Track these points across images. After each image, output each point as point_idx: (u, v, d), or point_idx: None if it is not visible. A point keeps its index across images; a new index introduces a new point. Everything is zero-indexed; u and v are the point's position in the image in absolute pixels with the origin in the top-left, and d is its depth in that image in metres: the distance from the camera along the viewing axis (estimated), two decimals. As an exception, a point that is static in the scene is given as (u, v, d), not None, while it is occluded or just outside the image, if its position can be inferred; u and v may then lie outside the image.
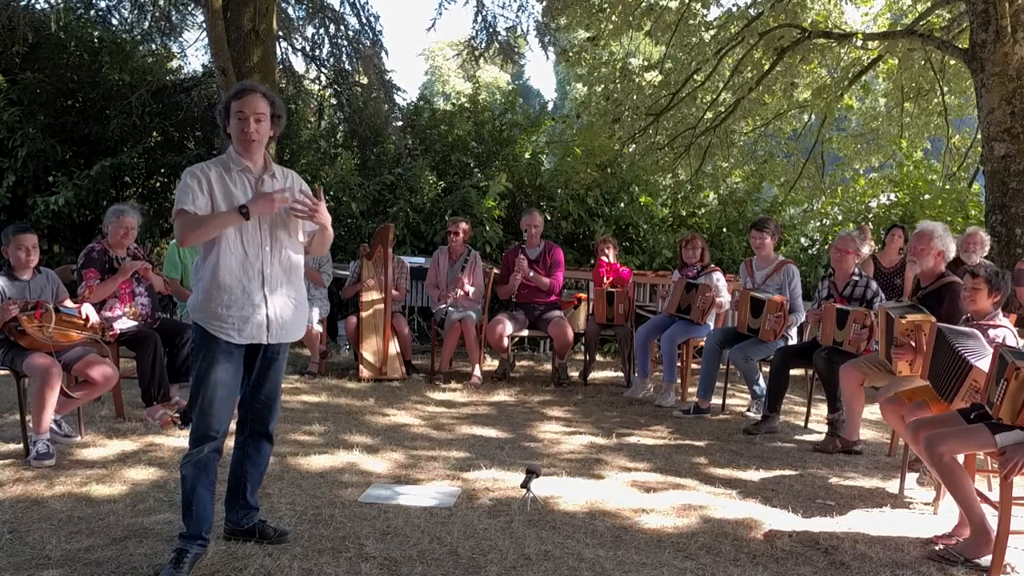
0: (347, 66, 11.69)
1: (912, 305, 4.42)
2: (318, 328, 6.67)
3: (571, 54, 10.70)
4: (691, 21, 8.96)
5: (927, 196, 9.20)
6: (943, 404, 3.65)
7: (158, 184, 10.08)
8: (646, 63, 10.80)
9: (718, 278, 6.30)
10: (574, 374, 7.12)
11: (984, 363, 3.40)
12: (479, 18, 11.48)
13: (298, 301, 3.12)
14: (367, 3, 17.02)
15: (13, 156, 8.34)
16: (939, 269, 4.50)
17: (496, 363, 7.36)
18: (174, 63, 11.49)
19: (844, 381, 4.78)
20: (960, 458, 3.37)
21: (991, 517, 3.28)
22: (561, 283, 7.02)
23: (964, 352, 3.47)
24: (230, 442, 3.19)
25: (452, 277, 6.93)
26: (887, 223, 9.01)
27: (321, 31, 11.70)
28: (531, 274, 6.76)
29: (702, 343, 6.17)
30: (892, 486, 4.23)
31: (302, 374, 6.61)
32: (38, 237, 4.61)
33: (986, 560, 3.21)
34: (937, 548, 3.33)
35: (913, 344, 4.18)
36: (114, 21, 11.14)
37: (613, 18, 9.05)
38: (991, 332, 3.65)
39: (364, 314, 6.70)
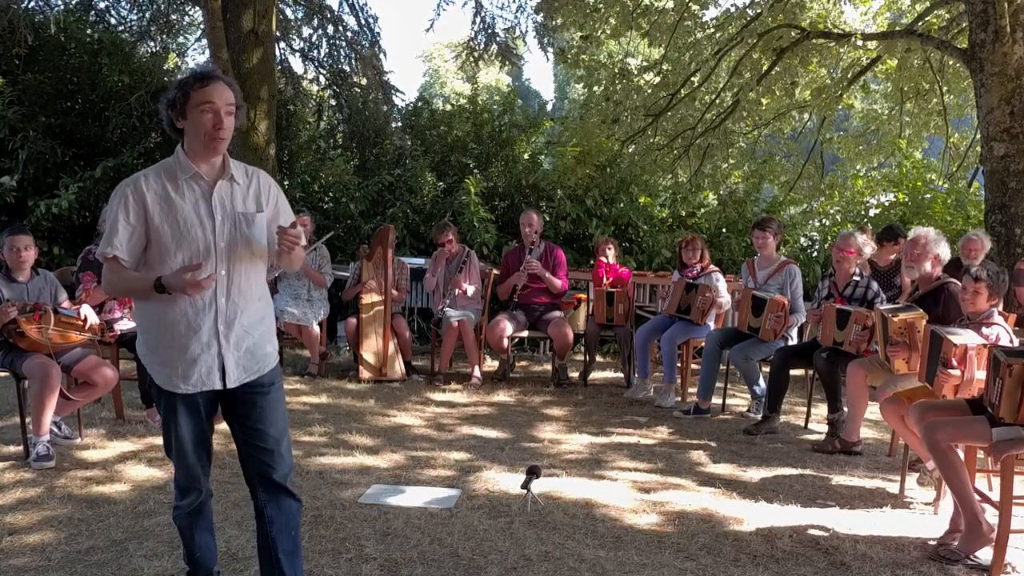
0: (346, 67, 11.69)
1: (906, 305, 4.45)
2: (316, 329, 6.67)
3: (569, 55, 10.70)
4: (688, 22, 8.95)
5: (927, 196, 9.20)
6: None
7: (157, 185, 10.06)
8: (645, 63, 10.79)
9: (718, 279, 6.29)
10: (574, 375, 7.12)
11: (960, 338, 3.46)
12: (478, 19, 11.50)
13: (264, 318, 2.57)
14: (366, 4, 17.03)
15: (14, 158, 8.33)
16: (936, 273, 4.52)
17: (496, 364, 7.36)
18: (173, 64, 11.50)
19: (851, 379, 4.79)
20: (961, 453, 3.38)
21: (992, 516, 3.29)
22: (567, 284, 7.02)
23: (943, 332, 3.58)
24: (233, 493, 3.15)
25: (449, 277, 6.93)
26: (887, 223, 9.01)
27: (320, 32, 11.71)
28: (546, 274, 6.76)
29: (702, 344, 6.17)
30: (892, 486, 4.23)
31: (302, 375, 6.61)
32: (37, 239, 4.61)
33: (984, 554, 3.22)
34: (938, 549, 3.33)
35: (907, 341, 4.22)
36: (113, 22, 11.15)
37: (610, 20, 9.05)
38: (985, 331, 3.67)
39: (364, 315, 6.70)
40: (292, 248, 2.46)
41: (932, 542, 3.45)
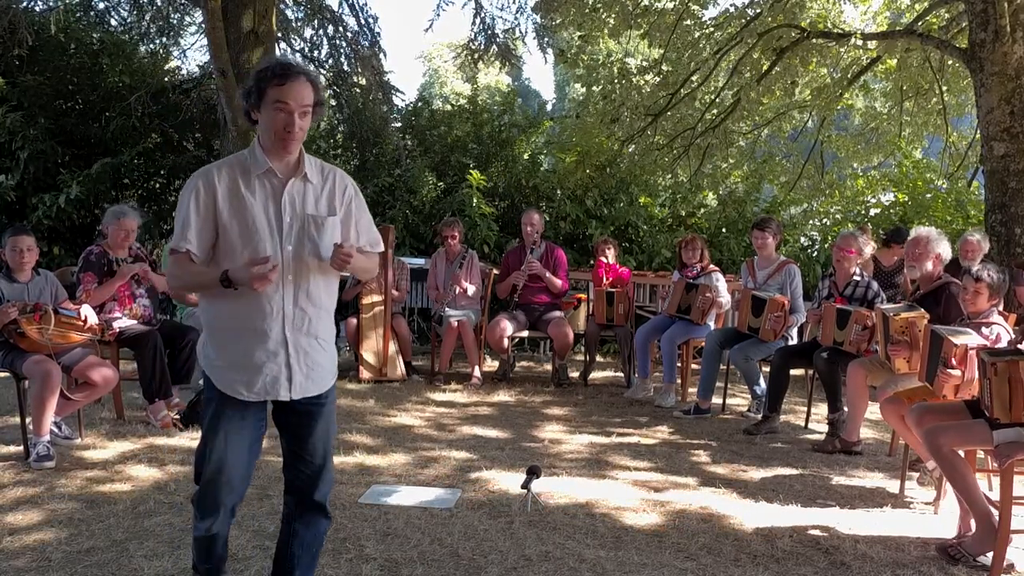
0: (346, 67, 11.69)
1: (907, 304, 4.45)
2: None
3: (569, 55, 10.70)
4: (688, 22, 8.95)
5: (927, 196, 9.19)
6: (941, 401, 3.67)
7: (157, 185, 10.09)
8: (644, 63, 10.79)
9: (718, 278, 6.29)
10: (574, 375, 7.12)
11: (960, 339, 3.47)
12: (478, 20, 11.49)
13: (327, 343, 2.48)
14: (366, 4, 17.02)
15: (14, 158, 8.33)
16: (937, 273, 4.52)
17: (496, 364, 7.36)
18: (173, 64, 11.51)
19: (851, 379, 4.79)
20: (961, 455, 3.38)
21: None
22: (567, 284, 7.03)
23: (944, 332, 3.60)
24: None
25: (450, 275, 6.93)
26: (887, 223, 9.01)
27: (320, 32, 11.70)
28: (547, 274, 6.76)
29: (702, 343, 6.17)
30: (893, 486, 4.23)
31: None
32: (37, 239, 4.61)
33: (989, 558, 3.22)
34: (949, 548, 3.32)
35: (908, 341, 4.22)
36: (113, 22, 11.16)
37: (609, 20, 9.04)
38: (985, 330, 3.68)
39: (364, 315, 6.70)
40: (342, 267, 2.36)
41: (941, 543, 3.44)
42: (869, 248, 5.61)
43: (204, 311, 2.42)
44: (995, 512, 3.23)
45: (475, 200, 8.60)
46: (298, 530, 2.51)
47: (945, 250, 4.53)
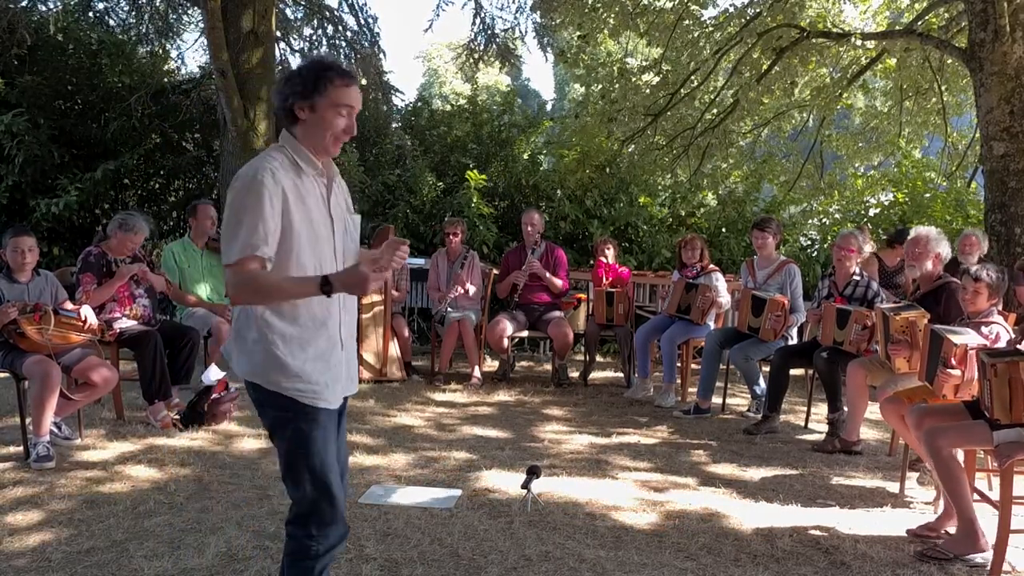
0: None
1: (908, 304, 4.45)
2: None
3: (568, 55, 10.70)
4: (687, 22, 8.95)
5: (927, 196, 9.20)
6: (941, 401, 3.67)
7: (157, 186, 10.09)
8: (644, 63, 10.79)
9: (718, 278, 6.29)
10: (574, 375, 7.12)
11: (960, 338, 3.47)
12: (477, 20, 11.50)
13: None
14: (365, 4, 17.03)
15: (11, 162, 8.32)
16: (937, 272, 4.52)
17: (496, 364, 7.36)
18: (172, 65, 11.50)
19: (851, 379, 4.79)
20: (961, 454, 3.39)
21: (992, 516, 3.29)
22: (568, 285, 7.03)
23: (944, 332, 3.60)
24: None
25: (452, 275, 6.93)
26: (887, 222, 9.02)
27: (319, 32, 11.71)
28: (547, 275, 6.76)
29: (702, 343, 6.17)
30: (893, 486, 4.23)
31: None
32: (37, 239, 4.61)
33: (980, 557, 3.22)
34: (924, 548, 3.34)
35: (909, 340, 4.22)
36: (112, 22, 11.15)
37: (609, 20, 9.04)
38: (984, 329, 3.68)
39: (364, 315, 6.69)
40: (397, 266, 2.34)
41: (914, 534, 3.48)
42: (868, 247, 5.61)
43: (275, 324, 2.18)
44: (995, 513, 3.23)
45: (474, 200, 8.60)
46: None
47: (945, 249, 4.54)
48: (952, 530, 3.42)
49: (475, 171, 8.85)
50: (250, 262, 2.11)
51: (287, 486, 2.25)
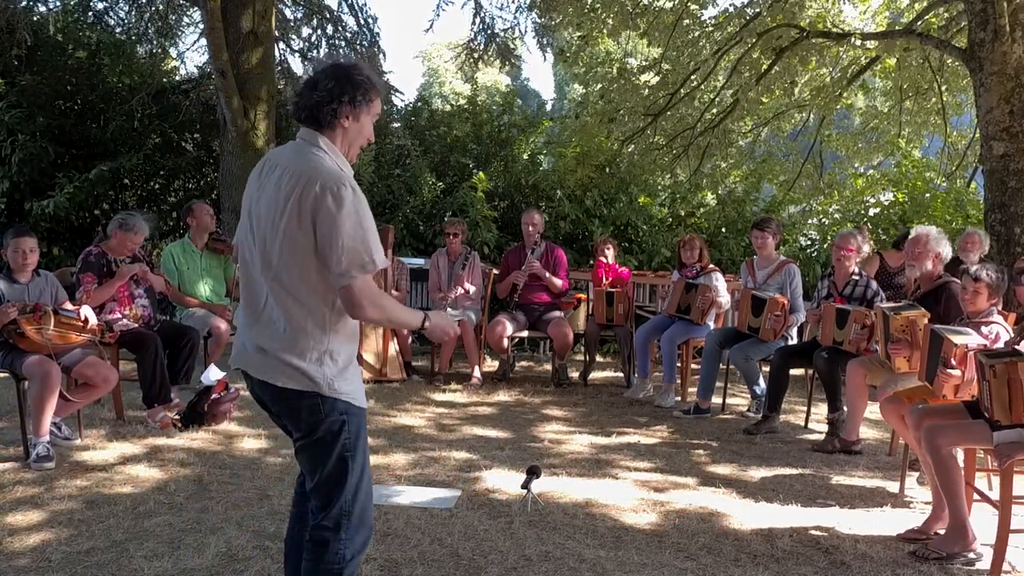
0: (345, 67, 11.67)
1: (908, 304, 4.45)
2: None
3: (568, 54, 10.70)
4: (687, 21, 8.95)
5: (926, 195, 9.20)
6: (941, 401, 3.68)
7: (156, 186, 10.09)
8: (644, 63, 10.79)
9: (717, 278, 6.29)
10: (574, 375, 7.12)
11: (960, 339, 3.47)
12: (477, 20, 11.50)
13: None
14: (365, 4, 17.01)
15: (7, 162, 8.32)
16: (937, 271, 4.52)
17: (496, 364, 7.36)
18: (171, 65, 11.50)
19: (850, 379, 4.79)
20: (961, 454, 3.39)
21: (992, 515, 3.29)
22: (567, 285, 7.03)
23: (944, 332, 3.60)
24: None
25: (453, 276, 6.93)
26: (886, 222, 9.02)
27: (319, 32, 11.70)
28: (547, 274, 6.77)
29: (702, 343, 6.17)
30: (892, 486, 4.23)
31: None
32: (37, 240, 4.61)
33: (972, 555, 3.23)
34: (916, 548, 3.34)
35: (909, 339, 4.22)
36: (112, 23, 11.15)
37: (608, 20, 9.04)
38: (984, 329, 3.68)
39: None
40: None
41: (905, 537, 3.48)
42: (867, 247, 5.62)
43: (339, 325, 2.20)
44: (995, 513, 3.24)
45: (479, 203, 8.60)
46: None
47: (945, 249, 4.53)
48: (941, 532, 3.43)
49: (482, 174, 8.86)
50: (370, 275, 2.12)
51: (325, 492, 2.23)
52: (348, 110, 2.18)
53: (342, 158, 2.21)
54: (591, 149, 9.67)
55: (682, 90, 9.26)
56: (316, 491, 2.24)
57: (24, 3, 9.81)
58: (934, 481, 3.45)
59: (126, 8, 11.34)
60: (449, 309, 6.81)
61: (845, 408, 5.00)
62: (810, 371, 5.85)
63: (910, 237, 4.63)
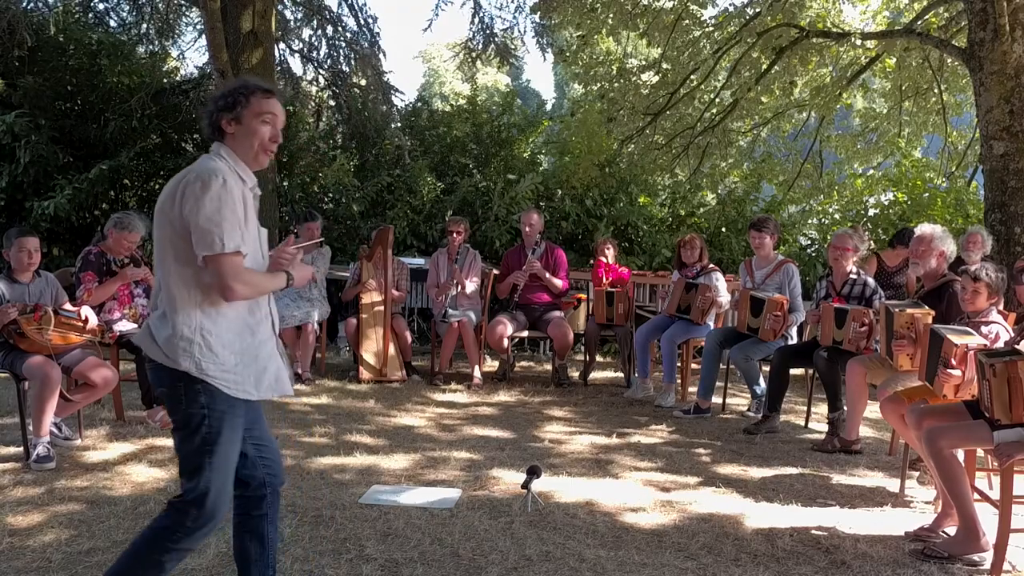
0: (345, 67, 11.69)
1: (913, 301, 4.45)
2: (316, 328, 6.64)
3: (568, 54, 10.70)
4: (687, 21, 8.95)
5: (926, 195, 9.20)
6: (941, 401, 3.67)
7: (156, 186, 10.07)
8: (644, 62, 10.80)
9: (718, 278, 6.29)
10: (574, 375, 7.12)
11: (961, 338, 3.47)
12: (476, 19, 11.50)
13: None
14: (365, 4, 17.02)
15: (15, 161, 8.32)
16: (942, 270, 4.52)
17: (496, 364, 7.36)
18: (171, 65, 11.50)
19: (850, 377, 4.79)
20: (961, 454, 3.39)
21: (992, 515, 3.29)
22: (567, 285, 7.03)
23: (944, 331, 3.60)
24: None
25: (450, 272, 6.93)
26: (886, 222, 9.02)
27: (319, 32, 11.70)
28: (546, 275, 6.77)
29: (702, 343, 6.17)
30: (893, 485, 4.23)
31: (300, 380, 6.52)
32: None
33: (979, 556, 3.22)
34: (920, 548, 3.34)
35: (913, 336, 4.21)
36: (112, 23, 11.16)
37: (608, 19, 9.05)
38: (984, 329, 3.67)
39: (364, 316, 6.70)
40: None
41: (914, 536, 3.47)
42: (864, 246, 5.61)
43: (211, 319, 2.30)
44: (995, 513, 3.24)
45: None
46: (270, 515, 2.58)
47: (950, 248, 4.52)
48: (950, 531, 3.43)
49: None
50: (236, 258, 2.25)
51: (185, 473, 2.33)
52: (227, 116, 2.34)
53: (241, 164, 2.37)
54: (592, 147, 9.67)
55: (682, 90, 9.26)
56: (181, 473, 2.34)
57: (25, 4, 9.82)
58: (939, 482, 3.45)
59: (127, 8, 11.35)
60: (449, 309, 6.82)
61: (845, 408, 4.99)
62: (810, 371, 5.85)
63: (915, 235, 4.62)
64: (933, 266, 4.50)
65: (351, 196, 9.04)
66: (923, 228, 4.58)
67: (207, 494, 2.29)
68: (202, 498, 2.28)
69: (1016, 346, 3.44)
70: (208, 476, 2.28)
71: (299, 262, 2.54)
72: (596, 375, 7.28)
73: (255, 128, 2.35)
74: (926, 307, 4.28)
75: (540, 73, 71.20)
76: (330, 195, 9.67)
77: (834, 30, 9.10)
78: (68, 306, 4.55)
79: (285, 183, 9.63)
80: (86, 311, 4.58)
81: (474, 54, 11.75)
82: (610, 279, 6.97)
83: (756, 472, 4.46)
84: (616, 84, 9.67)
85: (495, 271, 7.15)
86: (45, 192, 8.42)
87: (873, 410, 5.16)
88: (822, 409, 5.38)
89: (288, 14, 11.73)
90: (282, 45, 11.41)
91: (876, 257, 6.83)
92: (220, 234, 2.21)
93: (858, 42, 8.62)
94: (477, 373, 6.67)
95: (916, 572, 3.16)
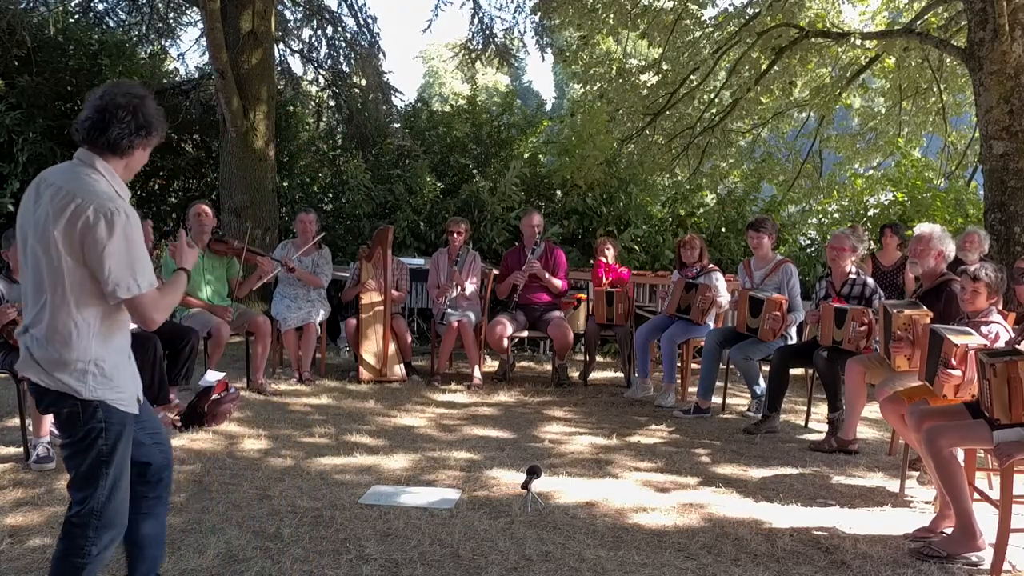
0: (345, 67, 11.70)
1: (911, 302, 4.45)
2: (317, 328, 6.64)
3: (567, 53, 10.71)
4: (687, 21, 8.96)
5: (926, 195, 9.20)
6: (941, 401, 3.67)
7: (156, 187, 10.09)
8: (644, 62, 10.81)
9: (717, 278, 6.29)
10: (574, 375, 7.12)
11: (961, 339, 3.47)
12: (476, 20, 11.51)
13: None
14: (365, 4, 17.03)
15: (15, 161, 8.33)
16: (940, 269, 4.52)
17: (496, 364, 7.36)
18: (171, 65, 11.51)
19: (849, 377, 4.79)
20: (961, 454, 3.39)
21: (992, 515, 3.29)
22: (567, 285, 7.03)
23: (944, 331, 3.59)
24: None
25: (450, 273, 6.93)
26: (886, 222, 9.02)
27: (319, 32, 11.71)
28: (546, 275, 6.77)
29: (702, 343, 6.17)
30: (893, 485, 4.23)
31: (301, 381, 6.51)
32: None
33: (977, 556, 3.23)
34: (918, 546, 3.34)
35: (911, 337, 4.21)
36: (112, 23, 11.16)
37: (608, 20, 9.05)
38: (984, 328, 3.68)
39: (364, 316, 6.69)
40: None
41: (913, 536, 3.47)
42: (863, 246, 5.61)
43: (104, 347, 2.32)
44: (995, 512, 3.24)
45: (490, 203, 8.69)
46: (156, 510, 2.64)
47: (949, 247, 4.52)
48: (949, 531, 3.43)
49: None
50: (150, 291, 2.31)
51: (80, 490, 2.35)
52: (141, 142, 2.36)
53: (120, 182, 2.36)
54: (597, 143, 9.65)
55: (681, 90, 9.27)
56: (73, 487, 2.36)
57: (24, 4, 9.82)
58: (939, 481, 3.45)
59: (127, 8, 11.35)
60: (448, 309, 6.81)
61: (845, 407, 4.99)
62: (810, 371, 5.85)
63: (914, 234, 4.62)
64: (931, 266, 4.51)
65: (362, 195, 9.04)
66: (922, 228, 4.59)
67: (107, 503, 2.33)
68: (100, 508, 2.32)
69: (1016, 346, 3.44)
70: (104, 486, 2.32)
71: (184, 247, 2.65)
72: (596, 375, 7.28)
73: (142, 160, 2.42)
74: (924, 307, 4.28)
75: (540, 73, 71.26)
76: (330, 195, 9.67)
77: (833, 30, 9.10)
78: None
79: (285, 183, 9.64)
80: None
81: (474, 54, 11.76)
82: (610, 279, 6.97)
83: (756, 472, 4.46)
84: (616, 84, 9.68)
85: (495, 271, 7.15)
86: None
87: (873, 410, 5.16)
88: (822, 409, 5.38)
89: (288, 14, 11.74)
90: (282, 45, 11.42)
91: (871, 258, 6.84)
92: (135, 276, 2.25)
93: (858, 42, 8.62)
94: (477, 373, 6.67)
95: (916, 572, 3.16)
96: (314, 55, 11.72)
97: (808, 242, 9.54)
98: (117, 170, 2.36)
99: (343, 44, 11.67)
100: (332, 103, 11.65)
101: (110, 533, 2.37)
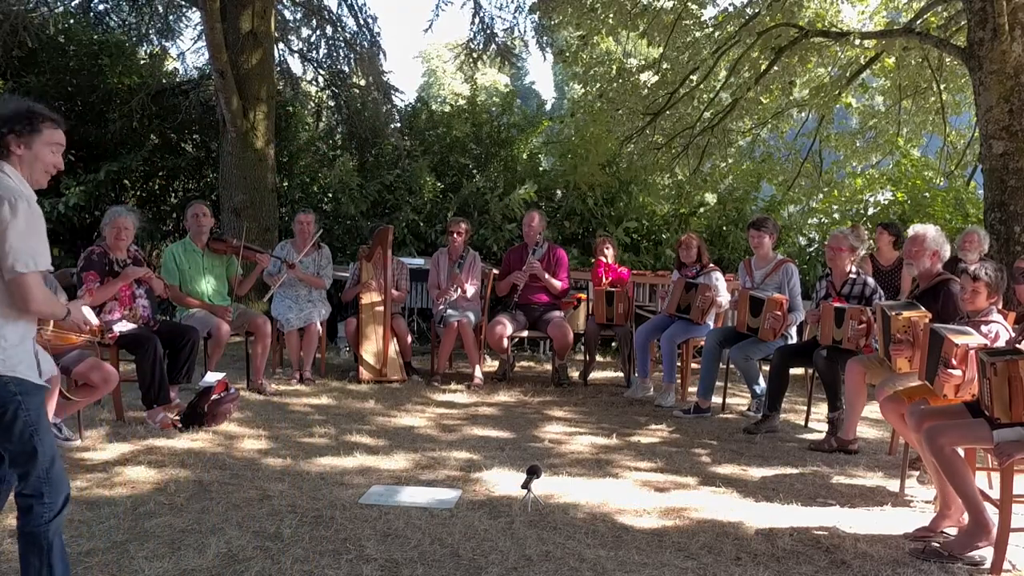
0: (344, 68, 11.70)
1: (909, 303, 4.44)
2: (319, 328, 6.64)
3: (568, 54, 10.71)
4: (687, 21, 8.96)
5: (926, 195, 9.20)
6: (941, 401, 3.67)
7: (156, 187, 10.09)
8: (643, 62, 10.80)
9: (717, 277, 6.29)
10: (574, 374, 7.12)
11: (961, 338, 3.47)
12: (476, 20, 11.50)
13: None
14: (365, 4, 17.02)
15: None
16: (936, 269, 4.52)
17: (496, 364, 7.36)
18: (172, 65, 11.51)
19: (849, 376, 4.79)
20: (961, 453, 3.39)
21: (992, 515, 3.29)
22: (567, 285, 7.03)
23: (944, 331, 3.59)
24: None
25: (450, 275, 6.93)
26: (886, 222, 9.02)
27: (318, 32, 11.71)
28: (546, 275, 6.77)
29: (702, 343, 6.17)
30: (893, 485, 4.23)
31: (302, 381, 6.50)
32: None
33: (979, 555, 3.23)
34: (920, 547, 3.34)
35: (911, 339, 4.21)
36: (112, 23, 11.15)
37: (608, 20, 9.05)
38: (984, 328, 3.67)
39: (364, 316, 6.69)
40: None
41: (914, 536, 3.47)
42: (863, 246, 5.61)
43: (11, 321, 2.45)
44: (995, 512, 3.24)
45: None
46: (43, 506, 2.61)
47: (944, 247, 4.52)
48: (950, 531, 3.42)
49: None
50: (38, 276, 2.43)
51: (21, 465, 2.47)
52: (15, 139, 2.48)
53: (24, 182, 2.50)
54: (598, 144, 9.66)
55: (681, 90, 9.27)
56: (14, 464, 2.50)
57: (25, 5, 9.82)
58: (940, 481, 3.44)
59: (127, 8, 11.35)
60: (448, 310, 6.81)
61: (845, 407, 4.99)
62: (810, 370, 5.85)
63: (909, 235, 4.63)
64: (927, 266, 4.51)
65: (352, 196, 9.04)
66: (916, 228, 4.59)
67: (51, 467, 2.46)
68: (46, 473, 2.45)
69: (1017, 345, 3.44)
70: (43, 452, 2.45)
71: (80, 310, 2.95)
72: (596, 375, 7.28)
73: (43, 156, 2.53)
74: (922, 308, 4.28)
75: (540, 73, 71.25)
76: (329, 195, 9.67)
77: (833, 30, 9.10)
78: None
79: (285, 183, 9.64)
80: (86, 311, 4.56)
81: (475, 55, 11.75)
82: (610, 279, 6.97)
83: (756, 472, 4.46)
84: (615, 84, 9.68)
85: (495, 271, 7.15)
86: (51, 192, 8.42)
87: (873, 410, 5.16)
88: (822, 409, 5.38)
89: (287, 14, 11.73)
90: (281, 45, 11.41)
91: (871, 258, 6.84)
92: (33, 256, 2.39)
93: (857, 41, 8.62)
94: (477, 373, 6.67)
95: (916, 571, 3.16)
96: (314, 55, 11.72)
97: (807, 242, 9.54)
98: (19, 170, 2.49)
99: (343, 44, 11.66)
100: (332, 103, 11.64)
101: (62, 492, 2.50)
